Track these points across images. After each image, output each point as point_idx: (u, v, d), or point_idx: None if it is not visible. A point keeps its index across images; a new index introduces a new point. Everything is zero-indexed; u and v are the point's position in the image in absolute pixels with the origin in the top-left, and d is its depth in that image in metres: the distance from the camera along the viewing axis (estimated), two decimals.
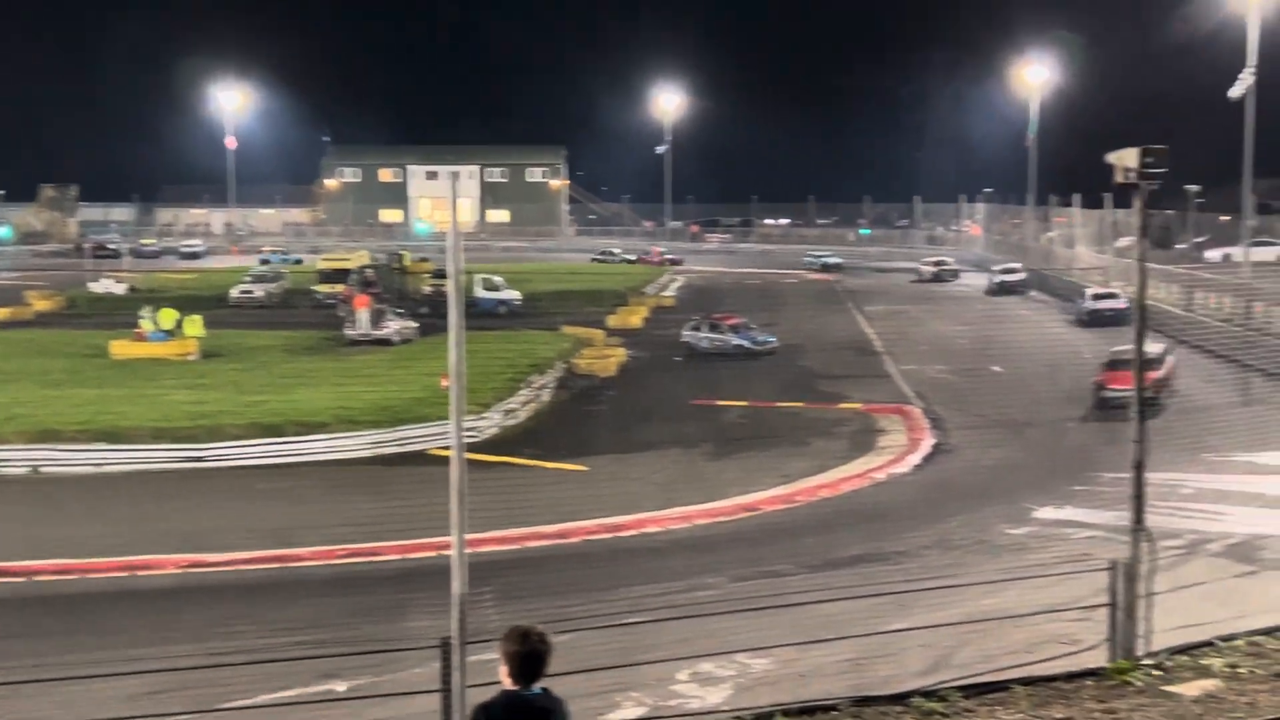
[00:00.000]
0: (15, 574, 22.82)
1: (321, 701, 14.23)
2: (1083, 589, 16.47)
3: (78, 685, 14.00)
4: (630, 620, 16.71)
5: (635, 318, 59.00)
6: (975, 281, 72.39)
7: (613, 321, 57.16)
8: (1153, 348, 35.60)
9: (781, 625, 16.33)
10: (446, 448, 10.55)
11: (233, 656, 16.16)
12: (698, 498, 28.36)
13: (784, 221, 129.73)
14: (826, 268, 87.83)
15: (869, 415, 38.09)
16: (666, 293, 73.25)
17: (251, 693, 14.78)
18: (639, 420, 36.86)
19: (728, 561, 22.69)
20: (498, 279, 63.44)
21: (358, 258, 68.00)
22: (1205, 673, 12.54)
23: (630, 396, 41.07)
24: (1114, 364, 34.45)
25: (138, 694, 14.61)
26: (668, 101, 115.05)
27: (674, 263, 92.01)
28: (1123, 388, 30.73)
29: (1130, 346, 30.89)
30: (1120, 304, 51.08)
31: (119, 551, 23.62)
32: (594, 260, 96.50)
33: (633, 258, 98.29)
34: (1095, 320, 51.01)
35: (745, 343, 48.87)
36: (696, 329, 50.41)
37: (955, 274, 75.52)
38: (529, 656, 5.93)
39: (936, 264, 77.60)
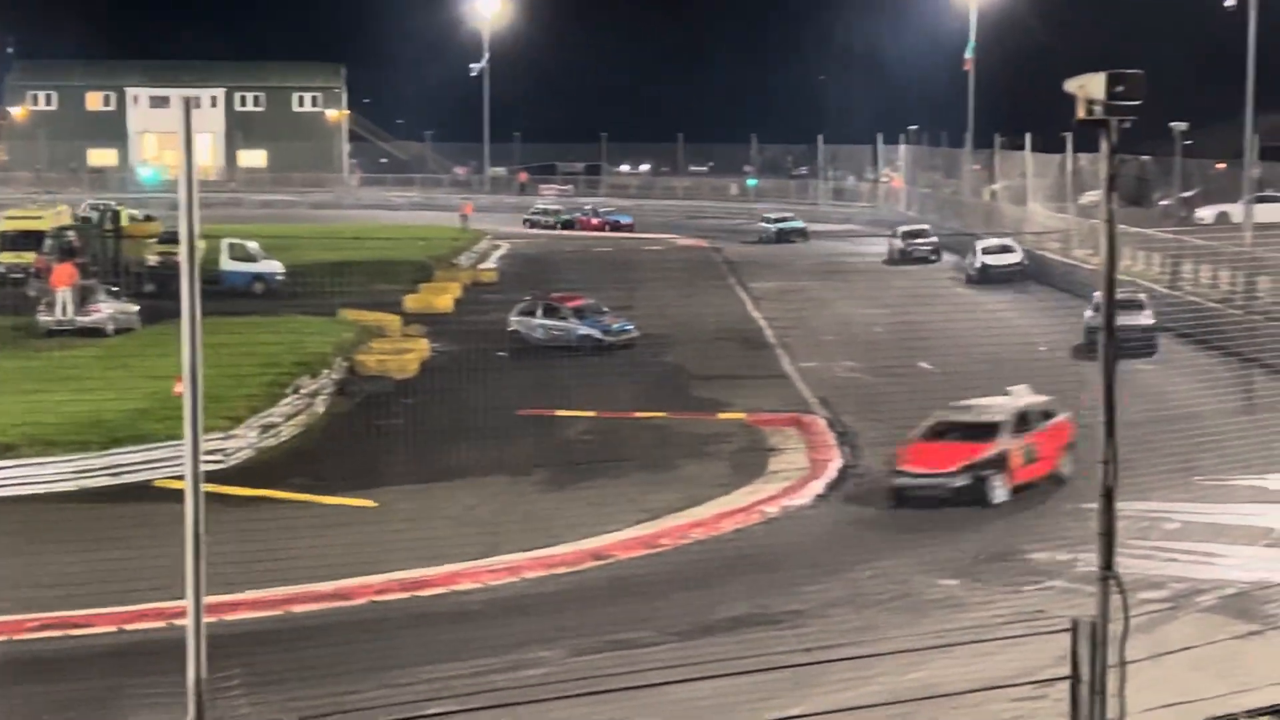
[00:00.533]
0: None
1: None
2: (1037, 657, 16.86)
3: None
4: (431, 712, 16.60)
5: (443, 298, 58.70)
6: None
7: (412, 303, 56.80)
8: (1016, 403, 32.43)
9: (639, 713, 16.39)
10: (179, 478, 10.34)
11: None
12: (529, 542, 28.32)
13: (644, 168, 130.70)
14: (785, 236, 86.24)
15: (757, 429, 38.42)
16: (486, 264, 73.09)
17: None
18: (448, 438, 36.64)
19: (568, 628, 22.68)
20: (252, 245, 62.59)
21: (54, 216, 66.44)
22: None
23: (437, 406, 40.79)
24: (938, 431, 31.52)
25: None
26: (485, 4, 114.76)
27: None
28: (928, 470, 30.31)
29: (964, 409, 32.19)
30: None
31: None
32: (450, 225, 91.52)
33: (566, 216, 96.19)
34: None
35: (594, 332, 48.98)
36: (528, 314, 50.37)
37: (934, 249, 72.31)
38: None
39: (911, 236, 73.70)
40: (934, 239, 71.73)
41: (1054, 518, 28.53)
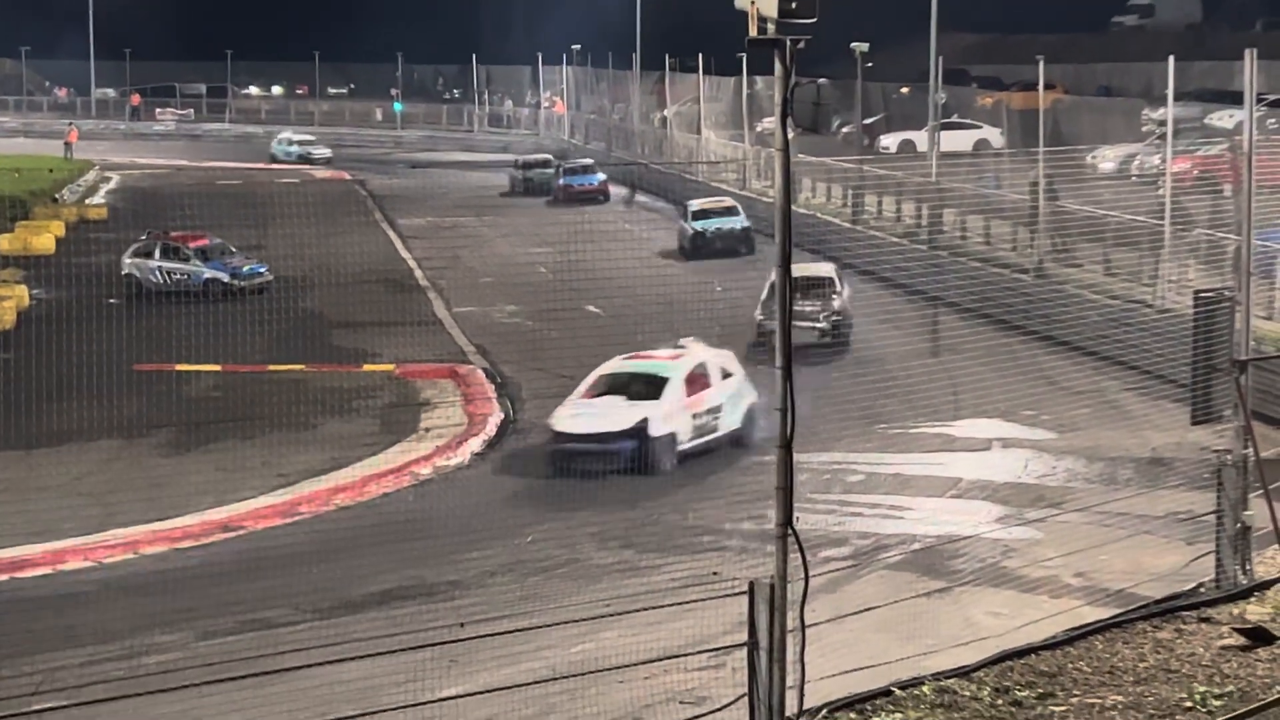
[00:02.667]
0: None
1: None
2: (715, 623, 17.28)
3: None
4: (36, 708, 16.23)
5: (43, 238, 57.18)
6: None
7: (7, 244, 55.11)
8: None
9: (277, 702, 16.29)
10: None
11: None
12: (148, 513, 27.85)
13: (276, 91, 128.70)
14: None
15: (408, 381, 38.39)
16: (95, 199, 71.34)
17: None
18: (52, 398, 35.56)
19: (194, 608, 22.35)
20: None
21: None
22: None
23: (38, 360, 39.50)
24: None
25: None
26: None
27: None
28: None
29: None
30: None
31: None
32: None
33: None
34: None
35: (221, 275, 48.22)
36: (145, 255, 49.31)
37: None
38: None
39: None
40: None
41: (731, 473, 29.19)
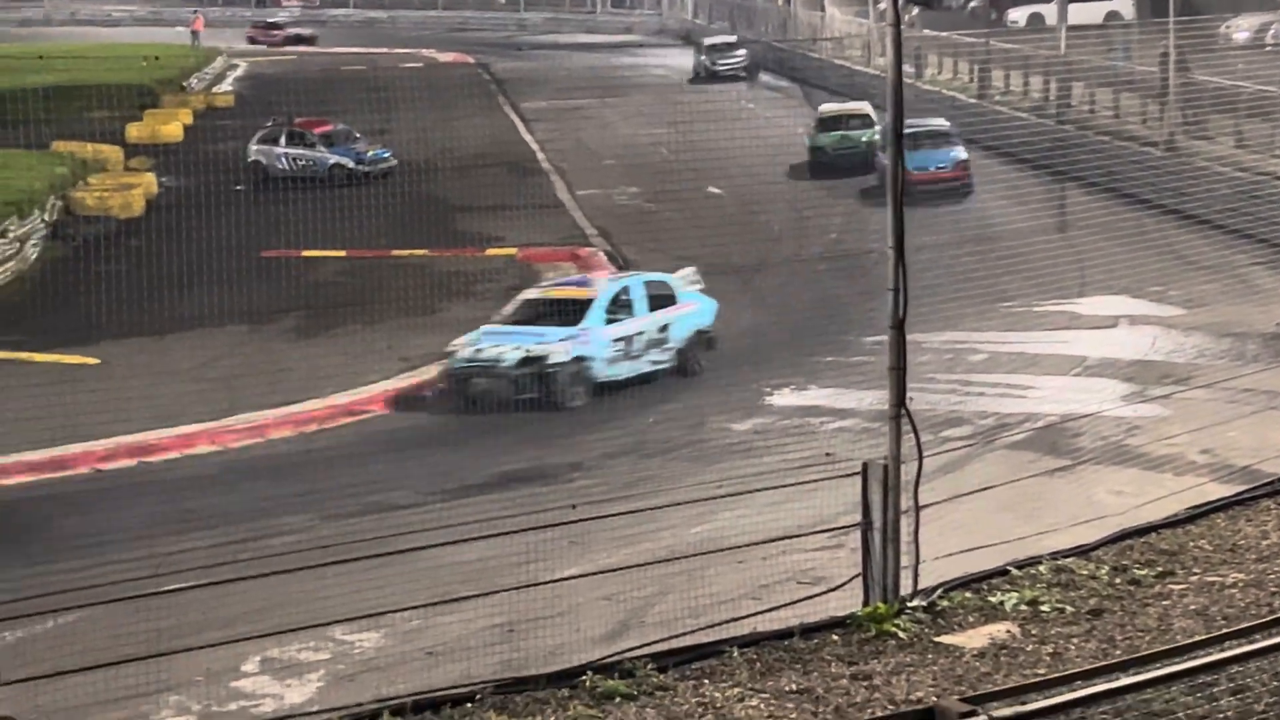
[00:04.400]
0: None
1: None
2: (831, 504, 17.26)
3: None
4: (168, 588, 16.50)
5: (172, 126, 57.46)
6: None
7: (136, 132, 55.51)
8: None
9: (399, 581, 16.48)
10: None
11: None
12: (274, 398, 28.12)
13: None
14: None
15: (531, 265, 38.45)
16: (221, 87, 71.60)
17: None
18: (181, 284, 36.00)
19: (318, 492, 22.66)
20: None
21: None
22: (995, 614, 13.36)
23: (166, 247, 39.96)
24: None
25: None
26: None
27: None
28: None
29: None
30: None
31: None
32: None
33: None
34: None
35: (346, 161, 48.35)
36: (271, 141, 49.50)
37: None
38: None
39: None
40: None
41: (849, 353, 29.06)
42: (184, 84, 68.76)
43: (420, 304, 34.93)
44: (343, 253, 39.49)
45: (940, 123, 43.38)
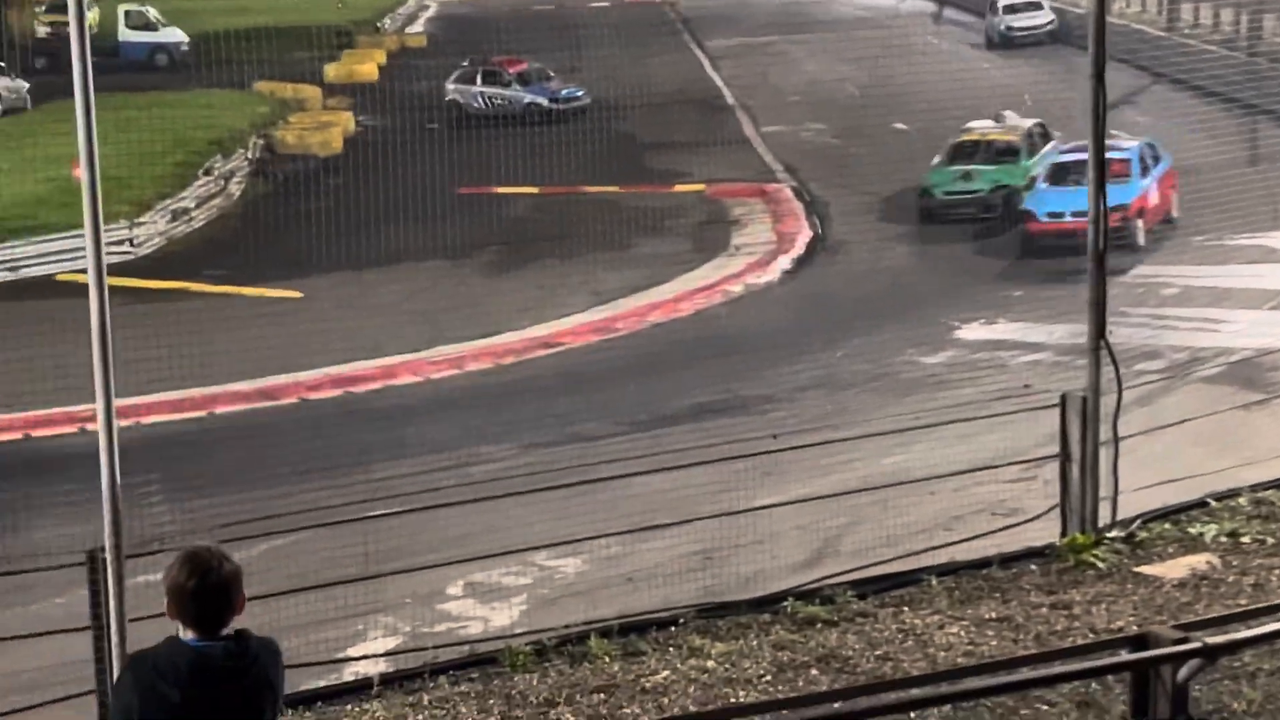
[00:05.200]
0: None
1: None
2: (1025, 437, 17.11)
3: None
4: (375, 514, 16.79)
5: (368, 66, 58.00)
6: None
7: (334, 72, 56.07)
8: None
9: (598, 509, 16.61)
10: (84, 271, 10.37)
11: None
12: (472, 331, 28.42)
13: None
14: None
15: (718, 201, 38.42)
16: (414, 27, 72.09)
17: None
18: (380, 220, 36.46)
19: (517, 422, 22.89)
20: (151, 12, 61.45)
21: None
22: (1194, 545, 13.18)
23: (365, 185, 40.46)
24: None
25: None
26: None
27: None
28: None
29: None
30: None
31: None
32: None
33: None
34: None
35: (540, 99, 48.54)
36: (467, 80, 49.85)
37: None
38: (204, 596, 5.70)
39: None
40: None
41: (1045, 286, 28.73)
42: (378, 25, 69.36)
43: (611, 239, 35.08)
44: (536, 189, 39.68)
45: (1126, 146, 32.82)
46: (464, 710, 10.53)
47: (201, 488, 19.03)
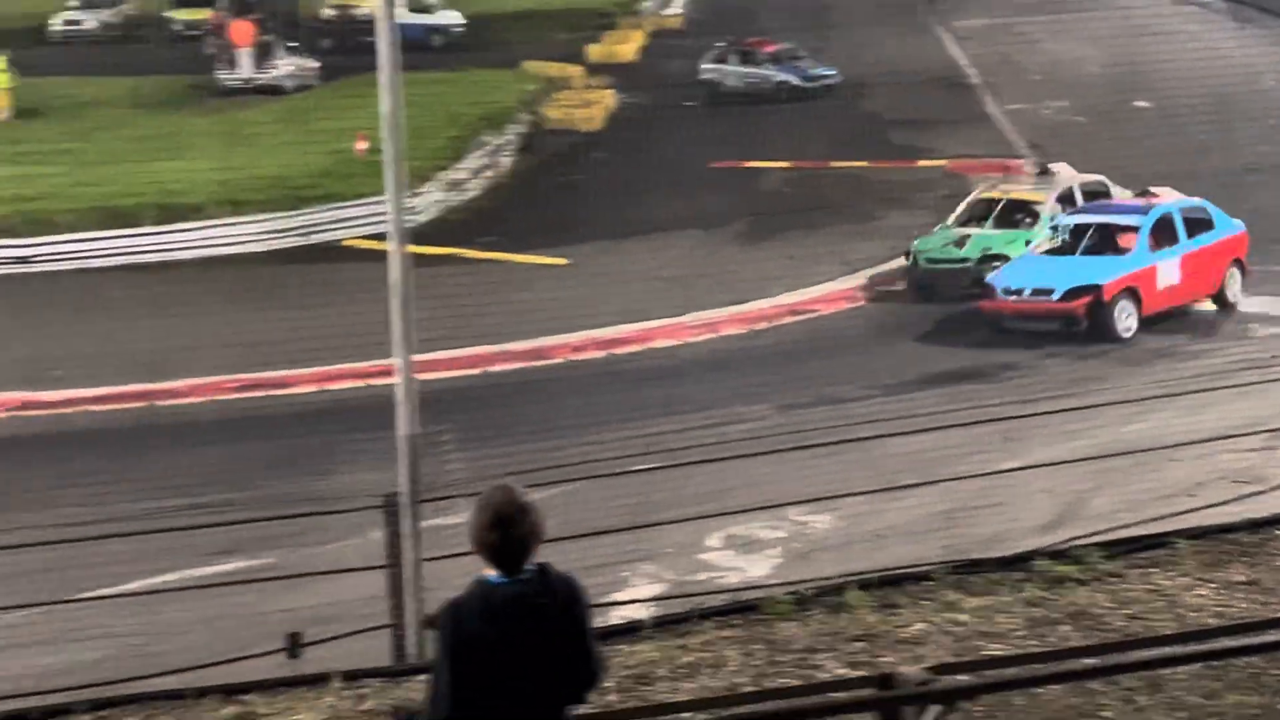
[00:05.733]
0: None
1: (216, 586, 14.57)
2: (1265, 407, 16.73)
3: None
4: (639, 468, 16.99)
5: (628, 47, 58.33)
6: None
7: (596, 53, 56.53)
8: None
9: (848, 469, 16.65)
10: (368, 237, 10.66)
11: (91, 528, 16.48)
12: (726, 298, 28.55)
13: None
14: None
15: (962, 176, 38.02)
16: (671, 9, 72.32)
17: (120, 577, 15.11)
18: (639, 192, 36.85)
19: (770, 384, 22.97)
20: None
21: None
22: None
23: (626, 159, 40.91)
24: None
25: None
26: None
27: None
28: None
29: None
30: None
31: None
32: None
33: None
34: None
35: (792, 78, 48.48)
36: (721, 60, 49.97)
37: None
38: (506, 535, 5.82)
39: None
40: None
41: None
42: (636, 7, 69.70)
43: (858, 212, 34.99)
44: (786, 164, 39.68)
45: (1142, 209, 27.17)
46: (729, 653, 10.62)
47: (483, 440, 19.44)
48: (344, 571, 13.36)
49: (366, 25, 11.04)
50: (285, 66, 51.26)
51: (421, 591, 11.28)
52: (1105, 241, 26.01)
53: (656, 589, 14.52)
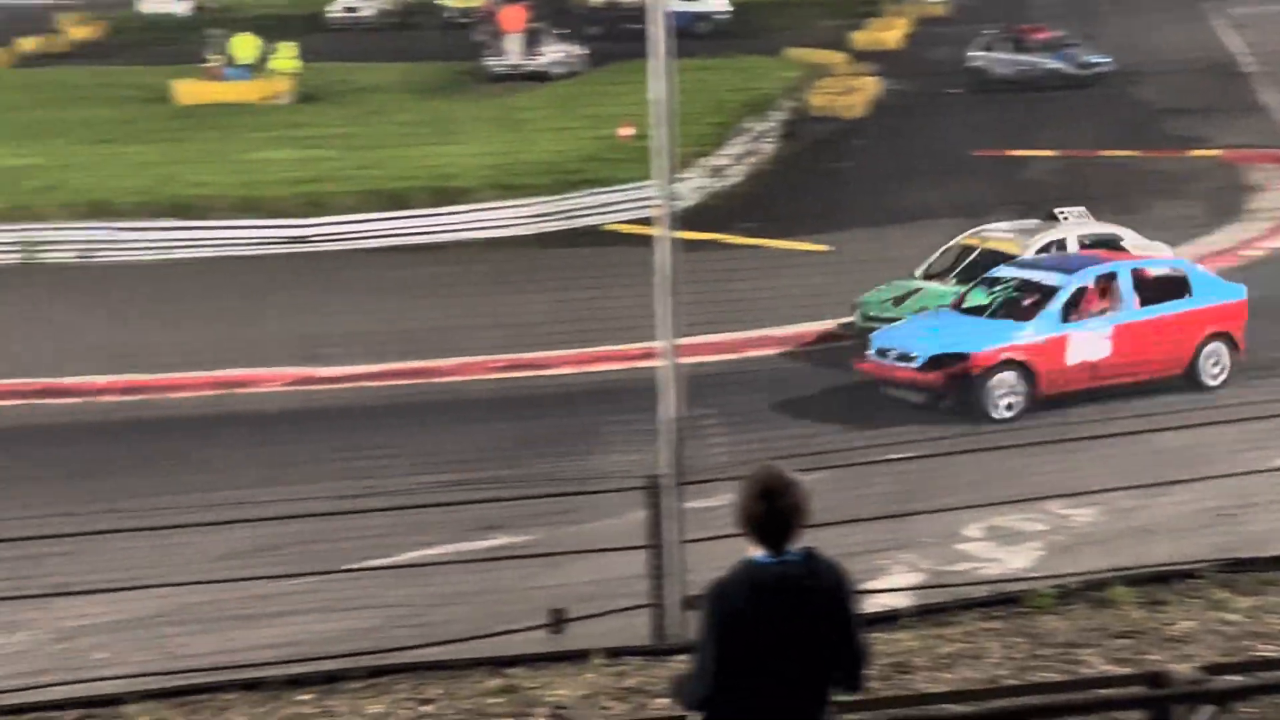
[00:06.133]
0: (71, 393, 24.10)
1: (480, 560, 14.84)
2: None
3: (162, 538, 14.87)
4: (898, 456, 16.90)
5: (893, 33, 58.17)
6: None
7: (860, 39, 56.46)
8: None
9: (1109, 462, 16.37)
10: (630, 221, 10.77)
11: (362, 501, 16.94)
12: None
13: None
14: None
15: (1234, 166, 37.09)
16: None
17: (389, 549, 15.49)
18: (901, 180, 36.59)
19: None
20: None
21: None
22: None
23: (888, 146, 40.68)
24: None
25: (241, 550, 15.48)
26: None
27: None
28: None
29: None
30: None
31: (204, 364, 24.70)
32: None
33: None
34: None
35: (1065, 66, 47.73)
36: (990, 48, 49.41)
37: None
38: (773, 513, 5.82)
39: None
40: None
41: None
42: None
43: (1125, 202, 34.22)
44: (1052, 152, 39.05)
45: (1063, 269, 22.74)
46: (990, 645, 10.52)
47: (742, 424, 19.50)
48: (606, 551, 13.50)
49: (634, 13, 11.17)
50: (552, 53, 51.99)
51: (683, 572, 11.37)
52: (1014, 304, 22.09)
53: (915, 578, 14.43)
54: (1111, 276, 21.94)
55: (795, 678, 5.82)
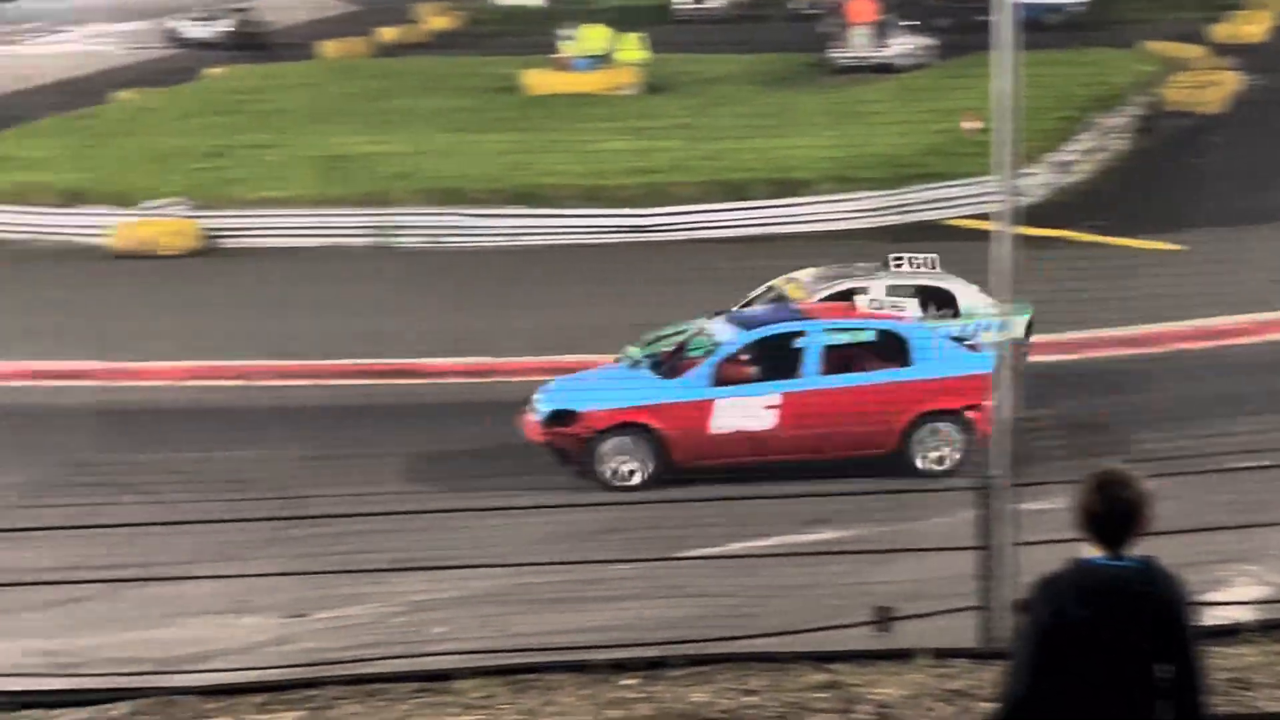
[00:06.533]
0: (423, 374, 24.85)
1: (807, 555, 14.85)
2: None
3: (505, 518, 15.30)
4: (1244, 465, 16.35)
5: (1255, 26, 56.14)
6: None
7: (1221, 32, 54.66)
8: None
9: None
10: (970, 217, 10.65)
11: (693, 490, 17.14)
12: None
13: None
14: None
15: None
16: None
17: (716, 539, 15.63)
18: (1259, 178, 35.41)
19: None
20: None
21: None
22: None
23: (1248, 143, 39.39)
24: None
25: (579, 533, 15.79)
26: None
27: None
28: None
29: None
30: None
31: (550, 348, 25.17)
32: None
33: None
34: None
35: None
36: None
37: None
38: (1112, 511, 5.61)
39: None
40: None
41: None
42: None
43: None
44: None
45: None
46: None
47: (1081, 426, 19.14)
48: (934, 550, 13.36)
49: (984, 4, 11.00)
50: (900, 45, 51.65)
51: (1015, 576, 11.16)
52: (675, 358, 19.98)
53: (1260, 591, 13.90)
54: (789, 336, 19.48)
55: (1118, 689, 5.58)
